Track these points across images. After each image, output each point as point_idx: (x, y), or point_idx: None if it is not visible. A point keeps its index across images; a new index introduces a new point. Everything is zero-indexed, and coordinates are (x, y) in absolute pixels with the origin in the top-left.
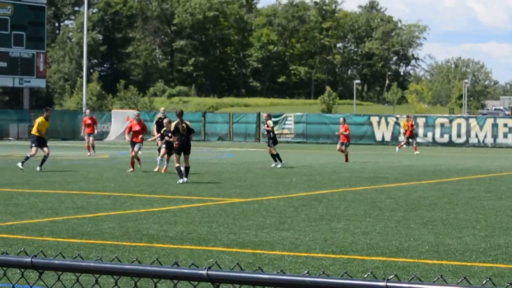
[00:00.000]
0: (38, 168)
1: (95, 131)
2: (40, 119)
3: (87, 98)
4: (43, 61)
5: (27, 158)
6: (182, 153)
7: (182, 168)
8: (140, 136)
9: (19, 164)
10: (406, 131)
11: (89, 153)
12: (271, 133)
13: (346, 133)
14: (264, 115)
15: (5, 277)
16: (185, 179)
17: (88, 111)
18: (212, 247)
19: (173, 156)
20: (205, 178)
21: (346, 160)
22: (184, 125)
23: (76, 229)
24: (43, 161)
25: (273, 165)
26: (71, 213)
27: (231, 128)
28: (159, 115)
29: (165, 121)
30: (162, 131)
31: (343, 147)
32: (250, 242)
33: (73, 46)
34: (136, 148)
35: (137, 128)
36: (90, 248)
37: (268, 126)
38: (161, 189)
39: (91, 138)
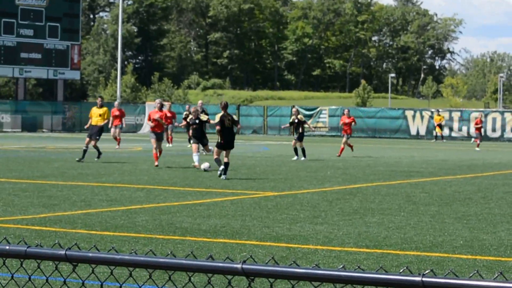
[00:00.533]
0: (95, 159)
1: (122, 124)
2: (92, 109)
3: (121, 90)
4: (78, 53)
5: (97, 150)
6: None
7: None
8: (155, 124)
9: (96, 159)
10: (438, 125)
11: (117, 147)
12: (300, 128)
13: (353, 124)
14: (293, 110)
15: (39, 269)
16: (223, 176)
17: (116, 102)
18: (246, 241)
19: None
20: (239, 171)
21: (351, 149)
22: (230, 118)
23: (109, 221)
24: (98, 151)
25: (294, 158)
26: (104, 205)
27: (266, 121)
28: (194, 108)
29: (192, 109)
30: (188, 119)
31: (347, 140)
32: (283, 236)
33: (107, 38)
34: (158, 141)
35: (156, 116)
36: (123, 241)
37: (299, 119)
38: (195, 182)
39: (117, 130)
